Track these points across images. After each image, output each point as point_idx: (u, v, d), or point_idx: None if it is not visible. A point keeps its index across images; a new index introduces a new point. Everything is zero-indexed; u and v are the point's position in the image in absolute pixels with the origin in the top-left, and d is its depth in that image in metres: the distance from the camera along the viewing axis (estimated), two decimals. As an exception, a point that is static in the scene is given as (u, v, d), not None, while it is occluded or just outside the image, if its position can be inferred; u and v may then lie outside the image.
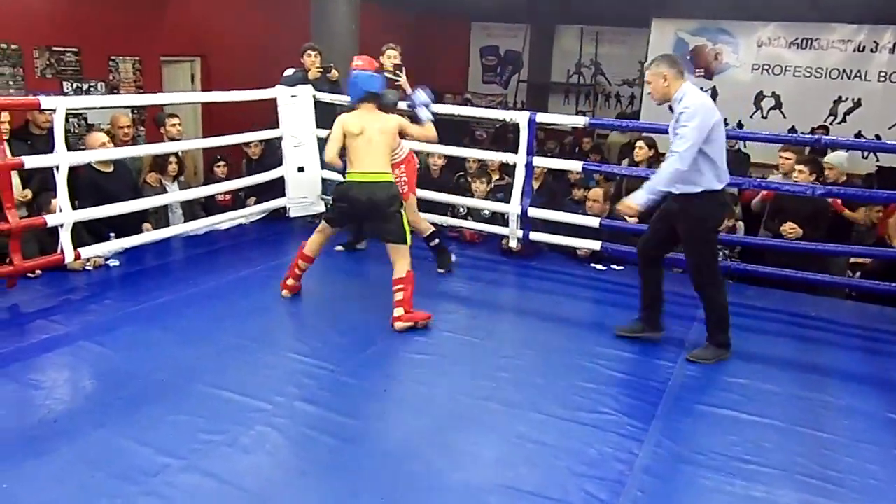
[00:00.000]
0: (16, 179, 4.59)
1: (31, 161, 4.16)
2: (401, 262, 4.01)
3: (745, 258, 5.20)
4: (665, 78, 3.61)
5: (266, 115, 5.80)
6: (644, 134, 6.10)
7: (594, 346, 3.90)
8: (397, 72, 5.70)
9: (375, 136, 4.04)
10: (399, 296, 3.96)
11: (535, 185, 5.64)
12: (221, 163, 5.94)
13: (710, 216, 3.75)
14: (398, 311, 3.92)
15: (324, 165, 5.76)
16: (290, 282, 4.33)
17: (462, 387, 3.33)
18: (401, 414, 3.12)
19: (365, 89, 4.14)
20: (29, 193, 4.66)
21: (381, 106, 4.17)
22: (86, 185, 4.73)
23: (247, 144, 6.01)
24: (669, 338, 4.07)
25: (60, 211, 4.23)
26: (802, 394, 3.51)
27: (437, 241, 4.95)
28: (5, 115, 4.51)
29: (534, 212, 5.19)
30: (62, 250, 4.26)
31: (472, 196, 5.71)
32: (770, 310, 4.68)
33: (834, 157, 5.61)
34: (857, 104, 9.39)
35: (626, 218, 4.33)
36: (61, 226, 4.23)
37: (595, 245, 5.08)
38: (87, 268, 4.61)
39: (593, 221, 5.08)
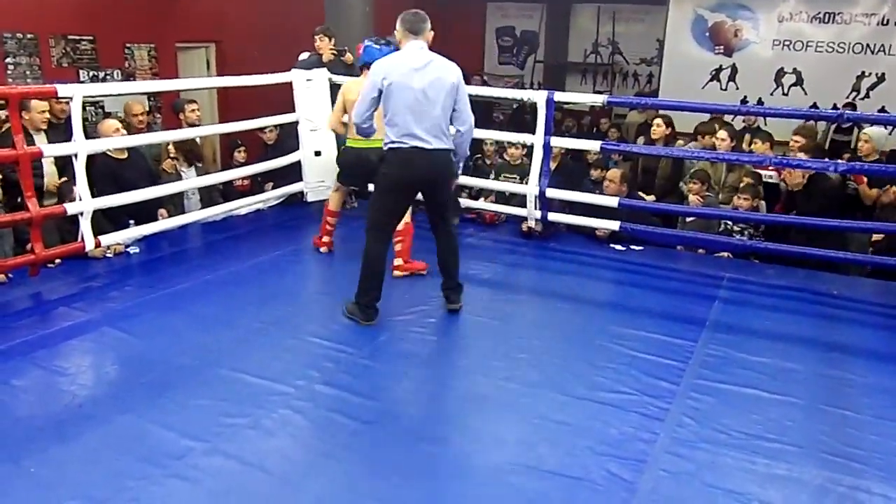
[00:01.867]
0: (52, 167, 4.65)
1: (50, 150, 4.20)
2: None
3: (770, 237, 5.13)
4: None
5: (282, 100, 5.79)
6: (661, 112, 6.03)
7: (614, 326, 3.88)
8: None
9: None
10: (398, 247, 4.30)
11: (553, 165, 5.60)
12: (242, 148, 5.96)
13: (381, 170, 3.69)
14: (397, 261, 4.27)
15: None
16: (325, 238, 4.83)
17: (482, 368, 3.33)
18: (421, 395, 3.13)
19: (365, 59, 4.37)
20: (65, 179, 4.69)
21: None
22: (102, 173, 4.74)
23: (262, 130, 6.02)
24: (690, 317, 4.05)
25: (80, 199, 4.27)
26: (825, 372, 3.48)
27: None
28: (43, 106, 4.53)
29: (552, 192, 5.16)
30: (82, 238, 4.29)
31: (489, 177, 5.70)
32: (791, 288, 4.63)
33: (873, 131, 5.52)
34: (881, 79, 9.19)
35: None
36: (81, 214, 4.26)
37: (614, 225, 5.04)
38: (108, 255, 4.65)
39: (611, 201, 5.03)
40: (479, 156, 6.56)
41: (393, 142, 3.59)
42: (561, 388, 3.16)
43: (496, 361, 3.40)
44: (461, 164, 4.05)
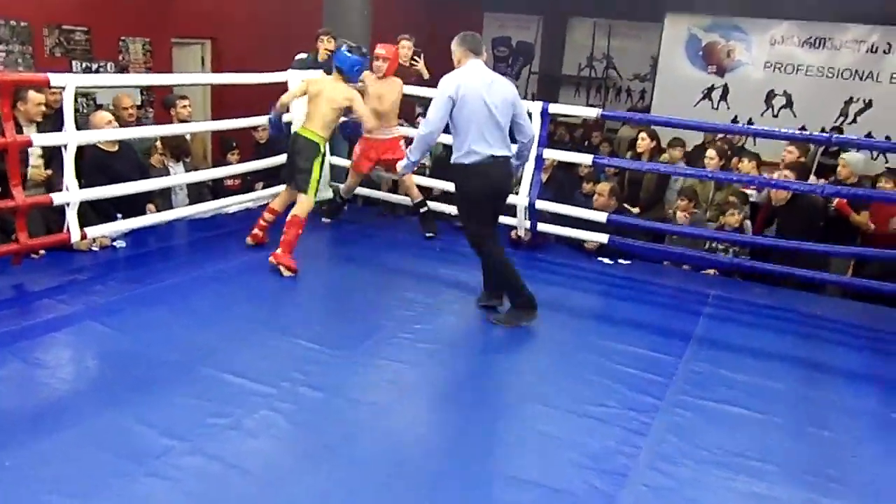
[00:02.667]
0: (38, 160, 4.60)
1: (40, 139, 4.16)
2: (300, 206, 4.51)
3: (755, 255, 5.18)
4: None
5: (276, 99, 5.76)
6: (645, 126, 6.10)
7: (600, 339, 3.89)
8: (414, 60, 5.76)
9: (324, 102, 4.52)
10: (284, 237, 4.45)
11: (544, 177, 5.62)
12: (235, 151, 5.92)
13: (463, 186, 3.90)
14: (278, 250, 4.41)
15: (333, 152, 5.76)
16: (256, 231, 4.84)
17: (467, 375, 3.34)
18: (404, 401, 3.12)
19: (336, 63, 4.66)
20: (50, 172, 4.64)
21: (346, 79, 4.63)
22: (91, 165, 4.69)
23: (255, 129, 5.99)
24: (676, 331, 4.08)
25: (67, 189, 4.22)
26: (807, 392, 3.51)
27: (426, 209, 5.44)
28: (40, 99, 4.50)
29: (542, 204, 5.17)
30: (68, 229, 4.25)
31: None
32: (776, 307, 4.67)
33: (851, 157, 5.61)
34: (869, 105, 9.33)
35: None
36: (68, 204, 4.22)
37: (603, 238, 5.06)
38: (93, 248, 4.60)
39: (600, 216, 5.05)
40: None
41: (469, 153, 3.73)
42: (545, 399, 3.16)
43: (482, 370, 3.42)
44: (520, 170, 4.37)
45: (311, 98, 4.59)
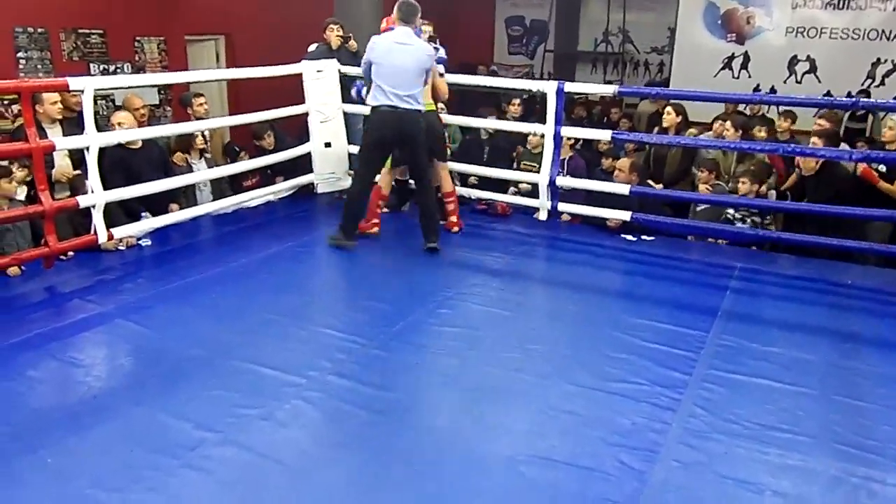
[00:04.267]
0: (66, 160, 4.67)
1: (63, 143, 4.22)
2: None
3: (786, 226, 5.09)
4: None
5: (292, 94, 5.78)
6: (672, 101, 5.99)
7: (626, 316, 3.87)
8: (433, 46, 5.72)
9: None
10: (451, 206, 5.13)
11: (564, 157, 5.58)
12: (242, 154, 5.93)
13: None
14: (453, 218, 5.09)
15: (350, 140, 5.76)
16: (374, 220, 5.07)
17: (493, 359, 3.33)
18: (433, 386, 3.14)
19: None
20: (77, 172, 4.71)
21: None
22: (113, 163, 4.75)
23: (260, 139, 5.93)
24: (702, 307, 4.04)
25: (92, 192, 4.29)
26: (838, 362, 3.45)
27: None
28: (54, 98, 4.55)
29: (562, 181, 5.14)
30: (95, 231, 4.32)
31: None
32: (805, 278, 4.60)
33: None
34: (897, 66, 9.07)
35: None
36: (93, 206, 4.29)
37: (625, 215, 5.02)
38: (120, 248, 4.67)
39: (623, 189, 5.00)
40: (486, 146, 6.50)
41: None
42: (573, 378, 3.16)
43: (508, 353, 3.40)
44: None
45: None
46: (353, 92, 5.55)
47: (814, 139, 5.04)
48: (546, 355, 3.40)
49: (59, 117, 4.67)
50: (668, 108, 5.79)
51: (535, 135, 5.59)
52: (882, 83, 9.06)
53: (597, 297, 4.20)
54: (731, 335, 3.68)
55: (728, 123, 5.62)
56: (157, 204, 4.88)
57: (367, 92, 4.80)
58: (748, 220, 5.20)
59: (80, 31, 7.06)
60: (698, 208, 5.40)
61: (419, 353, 3.40)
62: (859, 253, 4.84)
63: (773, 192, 5.42)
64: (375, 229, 5.02)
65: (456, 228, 5.15)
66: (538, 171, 5.34)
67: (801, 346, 3.58)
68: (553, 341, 3.58)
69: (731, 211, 5.24)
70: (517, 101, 6.50)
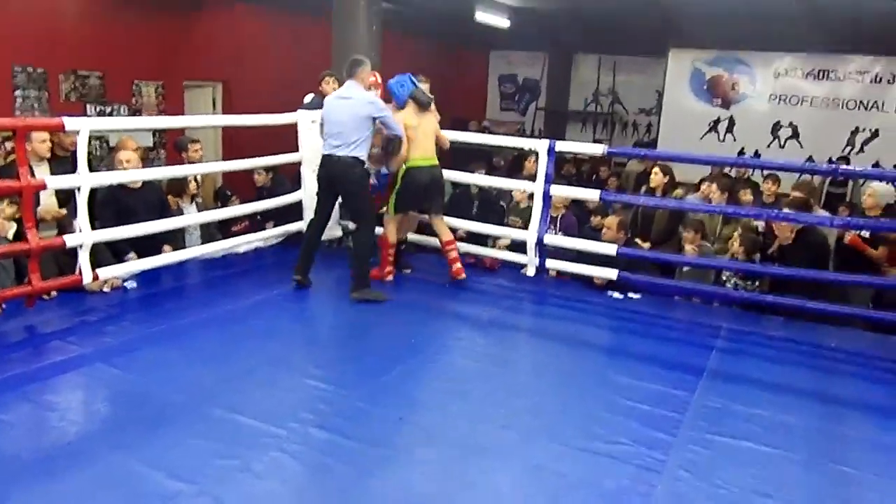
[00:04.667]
0: (52, 199, 4.66)
1: (54, 182, 4.22)
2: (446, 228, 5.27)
3: (770, 289, 5.14)
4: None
5: (286, 142, 5.84)
6: (659, 161, 6.11)
7: (612, 373, 3.86)
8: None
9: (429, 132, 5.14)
10: (453, 254, 5.18)
11: (557, 214, 5.65)
12: (233, 199, 5.97)
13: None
14: (457, 265, 5.14)
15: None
16: (388, 268, 5.25)
17: (479, 414, 3.30)
18: (416, 441, 3.09)
19: (419, 96, 5.11)
20: (64, 212, 4.70)
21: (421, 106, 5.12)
22: (105, 201, 4.74)
23: (256, 173, 6.01)
24: (688, 366, 4.03)
25: (80, 231, 4.27)
26: (824, 426, 3.45)
27: (403, 246, 5.62)
28: (43, 136, 4.57)
29: (551, 239, 5.18)
30: (80, 271, 4.28)
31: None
32: (790, 340, 4.63)
33: (879, 186, 5.60)
34: (875, 134, 9.36)
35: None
36: (80, 246, 4.26)
37: (612, 274, 5.05)
38: (105, 289, 4.62)
39: (610, 249, 5.05)
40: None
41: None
42: (559, 437, 3.12)
43: (494, 408, 3.37)
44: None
45: (416, 130, 5.07)
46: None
47: (785, 209, 5.14)
48: (532, 411, 3.36)
49: (48, 156, 4.68)
50: (656, 169, 5.90)
51: (521, 191, 5.66)
52: (861, 150, 9.34)
53: (583, 353, 4.20)
54: (717, 396, 3.67)
55: (714, 186, 5.73)
56: (145, 246, 4.85)
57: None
58: (732, 280, 5.25)
59: (80, 72, 7.15)
60: (685, 268, 5.45)
61: (404, 406, 3.36)
62: (842, 317, 4.88)
63: (758, 255, 5.48)
64: (390, 277, 5.21)
65: (462, 275, 5.18)
66: (523, 226, 5.41)
67: (787, 409, 3.57)
68: (539, 397, 3.55)
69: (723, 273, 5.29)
70: (532, 158, 6.57)
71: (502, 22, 9.76)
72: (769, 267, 5.19)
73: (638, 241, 5.68)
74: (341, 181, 4.75)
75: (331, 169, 4.73)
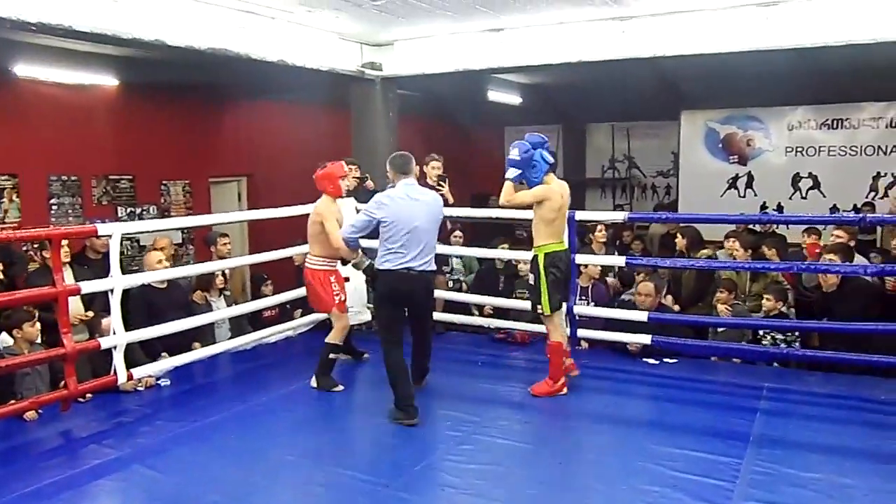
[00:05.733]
0: (78, 302, 4.77)
1: (88, 286, 4.32)
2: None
3: (810, 342, 5.02)
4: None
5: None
6: (682, 224, 6.11)
7: (654, 444, 3.75)
8: (441, 182, 5.90)
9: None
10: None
11: (587, 284, 5.63)
12: (268, 282, 6.07)
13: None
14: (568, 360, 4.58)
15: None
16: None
17: (520, 497, 3.20)
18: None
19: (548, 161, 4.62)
20: (90, 314, 4.80)
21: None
22: (138, 301, 4.84)
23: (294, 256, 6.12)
24: (733, 431, 3.91)
25: (114, 333, 4.34)
26: (883, 486, 3.29)
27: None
28: (64, 242, 4.71)
29: (580, 309, 5.14)
30: (115, 372, 4.33)
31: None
32: (836, 396, 4.48)
33: None
34: (897, 178, 9.27)
35: None
36: (115, 347, 4.32)
37: (646, 339, 4.97)
38: (139, 388, 4.66)
39: (641, 316, 4.99)
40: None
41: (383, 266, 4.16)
42: (604, 515, 3.02)
43: (533, 489, 3.27)
44: None
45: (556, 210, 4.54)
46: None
47: (829, 256, 5.06)
48: (575, 490, 3.26)
49: (67, 260, 4.79)
50: (679, 235, 5.91)
51: (525, 262, 5.66)
52: (885, 195, 9.22)
53: (622, 425, 4.09)
54: (767, 461, 3.53)
55: (737, 243, 5.68)
56: (176, 343, 4.91)
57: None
58: (768, 337, 5.14)
59: (111, 176, 7.42)
60: (719, 329, 5.36)
61: (443, 495, 3.27)
62: (886, 367, 4.72)
63: (793, 311, 5.39)
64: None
65: (576, 372, 4.74)
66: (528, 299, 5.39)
67: (843, 471, 3.42)
68: (581, 475, 3.45)
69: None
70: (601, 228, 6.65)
71: (514, 99, 10.01)
72: (806, 322, 5.08)
73: (668, 301, 5.61)
74: (425, 298, 4.30)
75: (415, 286, 4.12)
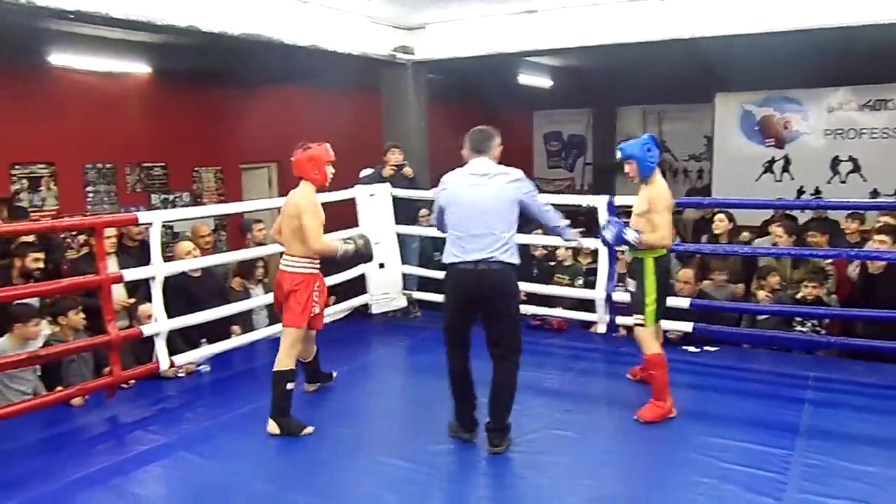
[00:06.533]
0: (120, 288, 4.81)
1: (131, 274, 4.34)
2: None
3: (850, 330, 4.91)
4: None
5: (343, 215, 5.93)
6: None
7: (701, 435, 3.69)
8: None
9: None
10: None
11: (624, 269, 5.54)
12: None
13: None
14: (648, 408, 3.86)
15: (404, 261, 5.82)
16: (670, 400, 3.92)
17: (566, 488, 3.16)
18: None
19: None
20: (131, 300, 4.84)
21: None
22: (175, 291, 4.86)
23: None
24: (780, 422, 3.84)
25: (156, 320, 4.37)
26: (942, 479, 3.20)
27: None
28: (111, 231, 4.75)
29: (619, 295, 5.07)
30: (157, 358, 4.36)
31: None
32: (883, 386, 4.39)
33: None
34: (940, 159, 9.02)
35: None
36: (157, 335, 4.35)
37: (687, 327, 4.89)
38: (179, 374, 4.69)
39: (683, 302, 4.91)
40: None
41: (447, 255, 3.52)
42: (656, 507, 2.98)
43: (580, 479, 3.23)
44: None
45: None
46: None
47: (880, 237, 4.92)
48: (622, 482, 3.22)
49: (113, 250, 4.82)
50: (721, 216, 5.78)
51: (564, 248, 5.58)
52: (928, 177, 8.98)
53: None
54: (818, 453, 3.46)
55: (780, 229, 5.56)
56: (215, 330, 4.93)
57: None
58: (808, 324, 5.04)
59: (144, 164, 7.47)
60: (760, 317, 5.26)
61: (491, 482, 3.26)
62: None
63: (834, 297, 5.27)
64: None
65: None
66: (569, 284, 5.41)
67: (894, 463, 3.33)
68: (627, 466, 3.40)
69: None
70: None
71: (545, 82, 9.89)
72: (847, 310, 4.97)
73: (707, 288, 5.51)
74: (492, 298, 3.44)
75: (478, 284, 3.40)
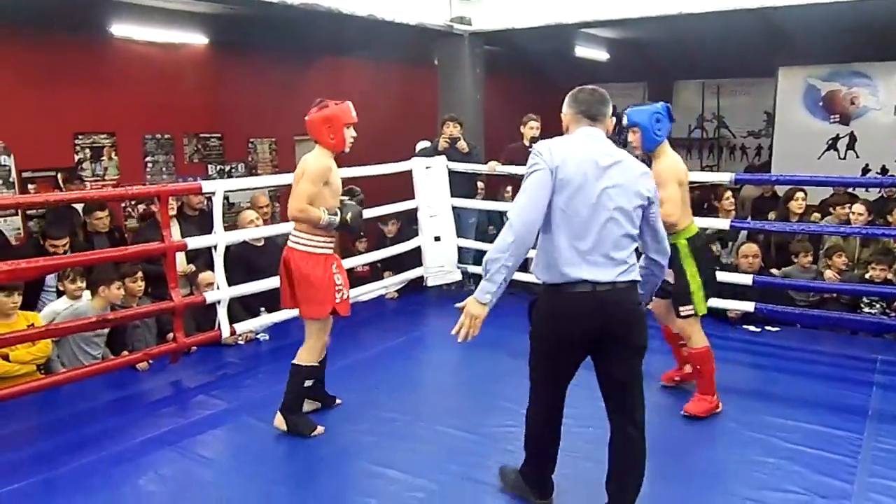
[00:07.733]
0: (182, 255, 4.91)
1: (194, 242, 4.42)
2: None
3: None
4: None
5: (398, 188, 5.92)
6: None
7: (765, 416, 3.62)
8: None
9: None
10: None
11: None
12: (364, 239, 6.08)
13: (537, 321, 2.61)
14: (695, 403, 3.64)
15: (460, 234, 5.79)
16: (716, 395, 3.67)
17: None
18: (578, 489, 2.94)
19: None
20: (192, 268, 4.94)
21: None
22: (236, 260, 4.93)
23: (383, 222, 6.11)
24: (848, 405, 3.74)
25: (218, 288, 4.44)
26: None
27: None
28: (172, 201, 4.84)
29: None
30: (219, 326, 4.44)
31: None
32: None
33: None
34: None
35: None
36: (219, 302, 4.43)
37: (749, 306, 4.77)
38: (239, 342, 4.78)
39: (746, 279, 4.78)
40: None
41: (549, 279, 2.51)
42: (724, 486, 2.93)
43: (649, 458, 3.18)
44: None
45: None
46: None
47: None
48: (690, 461, 3.17)
49: (174, 213, 4.89)
50: (799, 194, 5.62)
51: None
52: None
53: (731, 394, 3.91)
54: (890, 438, 3.36)
55: (860, 207, 5.35)
56: (274, 300, 4.99)
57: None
58: (877, 306, 4.87)
59: (202, 135, 7.57)
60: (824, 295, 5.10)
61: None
62: None
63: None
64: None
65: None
66: None
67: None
68: (692, 444, 3.35)
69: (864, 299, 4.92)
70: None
71: (601, 55, 9.67)
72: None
73: (773, 271, 5.35)
74: (619, 330, 2.49)
75: (602, 312, 2.45)
